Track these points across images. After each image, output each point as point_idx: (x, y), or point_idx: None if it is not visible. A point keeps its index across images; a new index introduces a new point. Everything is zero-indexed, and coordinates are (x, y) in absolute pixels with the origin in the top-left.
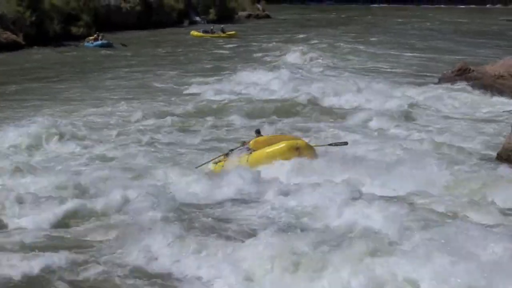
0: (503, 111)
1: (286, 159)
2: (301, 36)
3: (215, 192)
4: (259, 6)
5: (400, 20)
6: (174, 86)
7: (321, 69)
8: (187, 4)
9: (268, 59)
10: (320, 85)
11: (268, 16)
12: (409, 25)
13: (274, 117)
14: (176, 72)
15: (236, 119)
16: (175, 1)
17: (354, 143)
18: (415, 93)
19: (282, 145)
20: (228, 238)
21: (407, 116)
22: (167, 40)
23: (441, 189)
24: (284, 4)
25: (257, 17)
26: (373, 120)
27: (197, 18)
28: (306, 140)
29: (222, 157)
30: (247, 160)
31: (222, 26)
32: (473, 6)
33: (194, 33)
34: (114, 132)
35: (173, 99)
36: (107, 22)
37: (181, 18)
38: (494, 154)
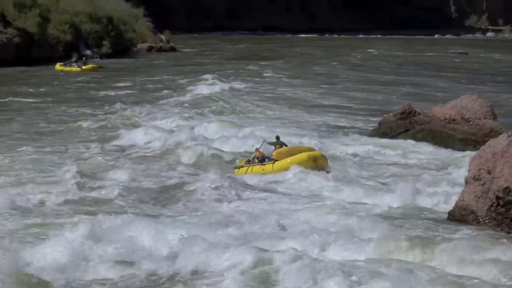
0: (454, 161)
1: (305, 167)
2: (203, 72)
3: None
4: (162, 37)
5: (331, 51)
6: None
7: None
8: (75, 35)
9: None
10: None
11: (173, 49)
12: (339, 58)
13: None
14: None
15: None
16: (61, 32)
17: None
18: (349, 144)
19: (301, 155)
20: None
21: (340, 170)
22: (40, 78)
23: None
24: (193, 34)
25: (160, 49)
26: (306, 180)
27: (88, 52)
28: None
29: (243, 163)
30: (272, 168)
31: (84, 58)
32: (421, 36)
33: (58, 66)
34: None
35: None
36: None
37: (69, 52)
38: (445, 213)
